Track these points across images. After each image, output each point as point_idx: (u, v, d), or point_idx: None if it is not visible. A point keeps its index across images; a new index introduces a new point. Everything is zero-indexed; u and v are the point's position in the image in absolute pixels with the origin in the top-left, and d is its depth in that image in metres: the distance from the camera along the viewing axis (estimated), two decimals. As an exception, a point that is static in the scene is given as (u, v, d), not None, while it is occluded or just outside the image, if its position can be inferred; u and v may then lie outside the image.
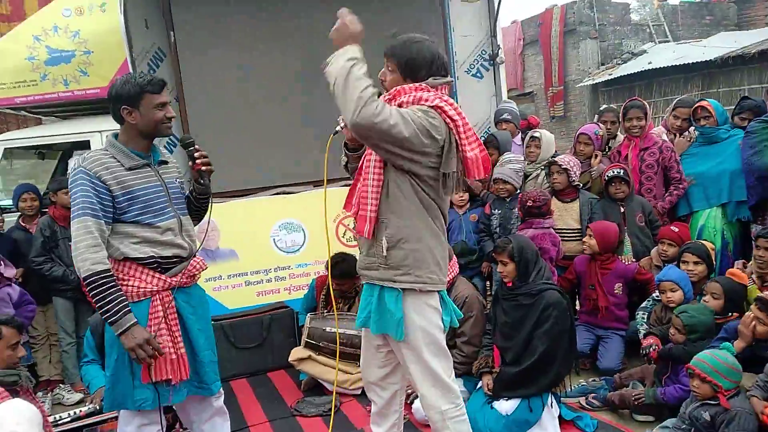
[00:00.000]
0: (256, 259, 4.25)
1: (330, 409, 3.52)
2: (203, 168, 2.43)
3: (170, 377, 2.27)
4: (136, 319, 2.19)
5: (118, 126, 2.38)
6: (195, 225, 2.62)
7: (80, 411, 3.32)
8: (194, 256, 2.46)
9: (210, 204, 2.53)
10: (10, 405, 2.14)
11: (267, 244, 4.32)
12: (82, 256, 2.16)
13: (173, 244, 2.35)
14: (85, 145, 5.15)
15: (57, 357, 4.45)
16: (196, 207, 2.57)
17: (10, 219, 4.65)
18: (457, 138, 2.17)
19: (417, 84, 2.21)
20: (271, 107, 4.82)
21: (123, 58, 4.75)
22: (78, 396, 4.15)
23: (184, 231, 2.42)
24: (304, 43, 4.81)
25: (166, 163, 2.48)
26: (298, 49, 4.81)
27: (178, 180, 2.49)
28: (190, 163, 2.45)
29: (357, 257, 2.48)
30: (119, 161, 2.29)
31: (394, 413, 2.55)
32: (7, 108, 5.22)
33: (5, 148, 4.99)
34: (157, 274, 2.31)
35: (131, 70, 4.63)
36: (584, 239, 3.85)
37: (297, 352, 3.77)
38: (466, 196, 4.40)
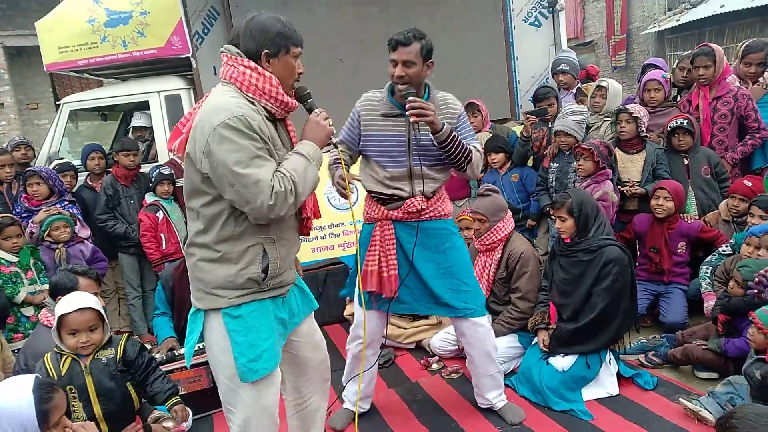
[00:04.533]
0: (311, 215, 4.30)
1: (386, 362, 3.59)
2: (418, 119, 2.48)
3: (374, 289, 2.69)
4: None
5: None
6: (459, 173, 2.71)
7: (149, 360, 3.47)
8: (414, 197, 2.66)
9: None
10: None
11: (321, 202, 4.35)
12: None
13: (395, 186, 2.66)
14: (144, 106, 5.25)
15: (125, 310, 4.70)
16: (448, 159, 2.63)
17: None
18: None
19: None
20: (327, 68, 4.78)
21: (178, 17, 4.79)
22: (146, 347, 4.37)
23: (414, 177, 2.63)
24: (363, 5, 4.72)
25: None
26: (356, 12, 4.73)
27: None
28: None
29: None
30: (379, 106, 2.62)
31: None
32: (71, 71, 5.35)
33: (71, 110, 5.16)
34: (380, 206, 2.70)
35: (185, 30, 4.68)
36: (659, 202, 3.63)
37: (352, 307, 3.83)
38: (500, 156, 4.36)
